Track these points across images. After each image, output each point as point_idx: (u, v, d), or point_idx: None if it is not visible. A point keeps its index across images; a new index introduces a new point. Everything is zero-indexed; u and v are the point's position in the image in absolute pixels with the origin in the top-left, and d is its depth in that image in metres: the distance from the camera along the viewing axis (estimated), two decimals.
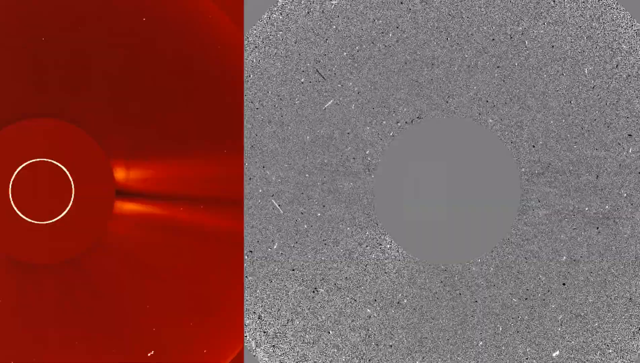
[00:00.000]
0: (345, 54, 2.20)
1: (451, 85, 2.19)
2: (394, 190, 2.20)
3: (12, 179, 2.13)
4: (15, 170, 2.13)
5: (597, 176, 2.15)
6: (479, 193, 2.19)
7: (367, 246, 2.19)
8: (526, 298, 2.18)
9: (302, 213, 2.19)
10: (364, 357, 2.19)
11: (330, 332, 2.18)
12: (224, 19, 2.19)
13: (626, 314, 2.17)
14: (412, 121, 2.11)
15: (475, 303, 2.18)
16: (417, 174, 2.20)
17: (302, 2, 2.20)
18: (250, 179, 2.20)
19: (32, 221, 2.13)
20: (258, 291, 2.17)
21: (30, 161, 2.13)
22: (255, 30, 2.18)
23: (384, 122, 2.19)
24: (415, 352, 2.18)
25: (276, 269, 2.20)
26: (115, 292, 2.14)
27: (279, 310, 2.20)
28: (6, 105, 2.12)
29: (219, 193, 2.16)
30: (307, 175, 2.18)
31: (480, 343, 2.18)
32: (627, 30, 2.16)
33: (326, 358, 2.19)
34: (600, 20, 2.18)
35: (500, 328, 2.06)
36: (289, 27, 2.21)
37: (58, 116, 2.13)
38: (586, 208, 2.17)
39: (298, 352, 2.19)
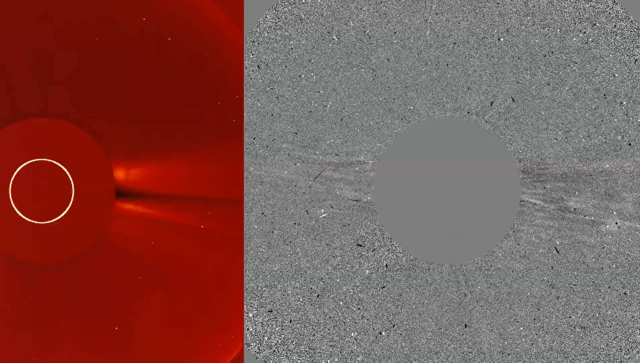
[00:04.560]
0: (344, 52, 2.20)
1: (451, 85, 2.19)
2: (394, 189, 2.20)
3: (12, 179, 2.13)
4: (15, 170, 2.13)
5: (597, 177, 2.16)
6: (478, 193, 2.20)
7: (366, 246, 2.20)
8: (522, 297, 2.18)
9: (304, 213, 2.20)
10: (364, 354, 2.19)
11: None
12: (224, 19, 2.19)
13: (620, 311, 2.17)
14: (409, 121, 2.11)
15: (474, 304, 2.19)
16: (417, 174, 2.20)
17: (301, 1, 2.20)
18: (249, 178, 2.20)
19: (32, 221, 2.13)
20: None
21: (30, 161, 2.13)
22: (255, 30, 2.19)
23: (384, 123, 2.19)
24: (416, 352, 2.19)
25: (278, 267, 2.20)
26: (116, 292, 2.14)
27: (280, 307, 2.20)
28: (7, 105, 2.12)
29: (219, 193, 2.16)
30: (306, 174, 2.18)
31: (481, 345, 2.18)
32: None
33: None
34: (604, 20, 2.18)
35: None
36: (289, 27, 2.21)
37: (58, 116, 2.13)
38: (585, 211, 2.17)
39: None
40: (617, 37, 2.09)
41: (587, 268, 2.17)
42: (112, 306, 2.14)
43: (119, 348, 2.14)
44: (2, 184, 2.13)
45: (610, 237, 2.17)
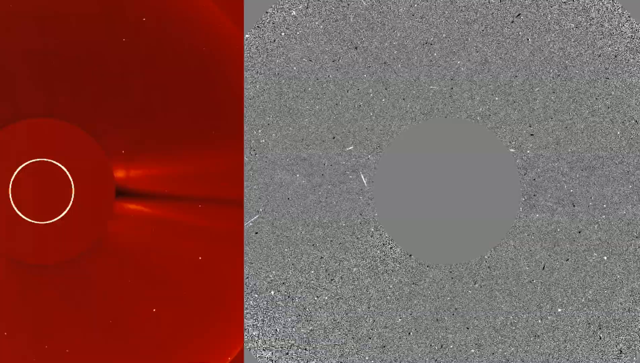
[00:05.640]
0: (345, 53, 2.20)
1: (452, 85, 2.19)
2: (394, 189, 2.20)
3: (12, 179, 2.13)
4: (15, 170, 2.13)
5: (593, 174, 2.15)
6: (478, 193, 2.19)
7: (368, 246, 2.19)
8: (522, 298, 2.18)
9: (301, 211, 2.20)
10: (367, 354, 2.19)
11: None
12: (224, 19, 2.19)
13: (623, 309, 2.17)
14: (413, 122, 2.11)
15: (473, 304, 2.18)
16: (418, 174, 2.20)
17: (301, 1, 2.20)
18: (250, 179, 2.20)
19: (32, 221, 2.13)
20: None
21: (30, 161, 2.13)
22: (255, 29, 2.19)
23: (384, 123, 2.19)
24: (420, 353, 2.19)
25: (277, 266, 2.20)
26: (115, 292, 2.14)
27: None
28: (7, 105, 2.12)
29: (219, 192, 2.16)
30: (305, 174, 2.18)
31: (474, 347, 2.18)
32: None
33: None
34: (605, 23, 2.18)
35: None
36: (289, 26, 2.21)
37: (58, 116, 2.13)
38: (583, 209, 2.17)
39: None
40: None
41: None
42: (112, 306, 2.14)
43: (119, 348, 2.14)
44: (2, 184, 2.13)
45: None
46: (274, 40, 2.20)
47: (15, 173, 2.13)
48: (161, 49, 2.13)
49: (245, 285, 2.19)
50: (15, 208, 2.13)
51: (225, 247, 2.16)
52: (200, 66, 2.15)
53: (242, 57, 2.18)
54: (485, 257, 2.19)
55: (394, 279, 2.19)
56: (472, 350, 2.18)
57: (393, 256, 2.19)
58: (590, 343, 2.17)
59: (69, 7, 2.12)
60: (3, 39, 2.11)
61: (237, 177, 2.17)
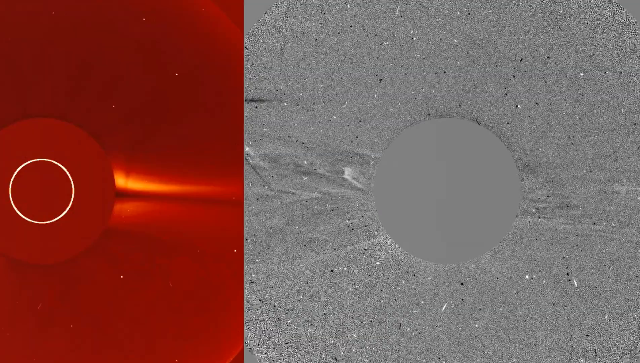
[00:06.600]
0: (345, 54, 2.20)
1: (452, 86, 2.19)
2: (394, 189, 2.20)
3: (12, 179, 2.13)
4: (15, 170, 2.13)
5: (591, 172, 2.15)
6: (478, 193, 2.19)
7: (369, 247, 2.19)
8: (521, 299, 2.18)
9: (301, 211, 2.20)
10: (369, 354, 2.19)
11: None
12: (224, 19, 2.19)
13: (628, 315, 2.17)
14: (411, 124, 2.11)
15: (475, 305, 2.18)
16: (417, 174, 2.20)
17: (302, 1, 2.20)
18: (249, 179, 2.20)
19: (32, 221, 2.13)
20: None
21: (30, 161, 2.13)
22: (255, 29, 2.19)
23: (384, 123, 2.19)
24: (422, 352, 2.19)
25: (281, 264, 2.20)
26: (115, 292, 2.14)
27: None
28: (6, 105, 2.12)
29: (220, 193, 2.16)
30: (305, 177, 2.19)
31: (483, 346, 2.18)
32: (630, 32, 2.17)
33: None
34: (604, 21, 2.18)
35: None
36: (290, 26, 2.21)
37: (58, 116, 2.13)
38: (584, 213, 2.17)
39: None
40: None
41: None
42: (112, 306, 2.14)
43: (119, 348, 2.14)
44: (2, 184, 2.13)
45: None
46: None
47: (15, 173, 2.13)
48: (161, 49, 2.14)
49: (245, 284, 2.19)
50: (15, 208, 2.13)
51: (225, 246, 2.16)
52: (200, 66, 2.15)
53: (242, 57, 2.18)
54: (484, 257, 2.19)
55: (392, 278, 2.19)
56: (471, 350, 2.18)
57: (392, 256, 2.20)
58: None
59: (69, 8, 2.12)
60: (3, 40, 2.11)
61: (237, 177, 2.17)
